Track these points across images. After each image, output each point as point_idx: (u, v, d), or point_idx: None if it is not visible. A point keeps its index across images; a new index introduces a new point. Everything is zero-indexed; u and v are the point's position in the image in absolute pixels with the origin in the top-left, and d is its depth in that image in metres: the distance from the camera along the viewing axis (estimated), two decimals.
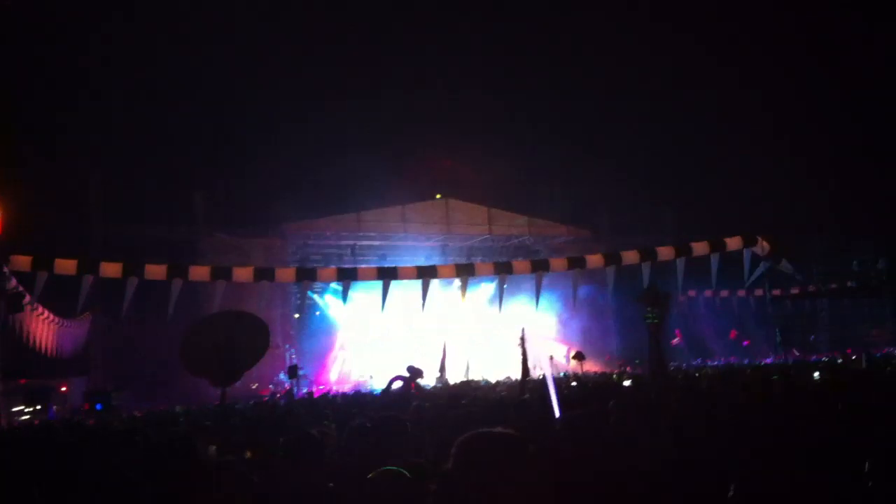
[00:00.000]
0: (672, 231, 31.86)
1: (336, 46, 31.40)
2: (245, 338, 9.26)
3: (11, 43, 25.28)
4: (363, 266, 27.27)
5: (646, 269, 25.71)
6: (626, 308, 27.75)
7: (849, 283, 29.96)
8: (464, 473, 2.28)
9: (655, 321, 16.62)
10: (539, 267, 26.16)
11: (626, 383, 14.10)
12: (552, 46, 32.27)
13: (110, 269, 21.96)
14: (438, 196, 31.20)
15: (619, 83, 32.78)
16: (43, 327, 22.36)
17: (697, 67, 33.07)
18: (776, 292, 30.78)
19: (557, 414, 7.40)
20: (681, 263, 26.03)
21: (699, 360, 29.34)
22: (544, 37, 32.91)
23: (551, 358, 21.28)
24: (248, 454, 6.19)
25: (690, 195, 32.51)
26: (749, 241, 25.98)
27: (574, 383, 14.97)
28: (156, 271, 22.44)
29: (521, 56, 32.26)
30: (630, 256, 25.91)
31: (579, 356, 24.73)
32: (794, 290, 30.91)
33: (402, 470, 3.59)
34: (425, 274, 25.91)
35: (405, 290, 29.63)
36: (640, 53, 32.17)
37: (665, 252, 26.00)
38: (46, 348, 22.60)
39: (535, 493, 2.30)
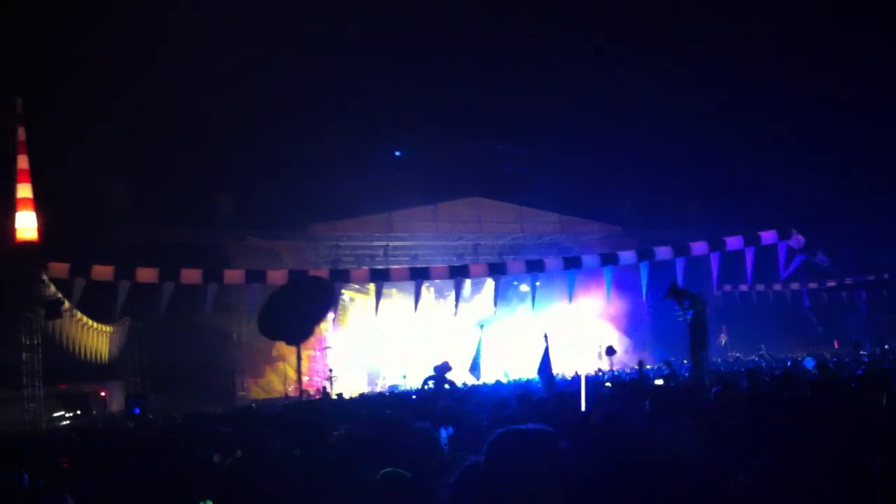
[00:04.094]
0: (700, 226, 31.53)
1: (365, 46, 31.34)
2: (311, 297, 9.56)
3: (36, 48, 25.48)
4: (395, 266, 27.26)
5: (679, 265, 25.60)
6: (659, 304, 27.54)
7: (886, 275, 29.62)
8: (495, 471, 2.26)
9: (691, 316, 16.40)
10: (571, 264, 26.11)
11: (658, 382, 13.97)
12: (576, 39, 32.07)
13: (146, 275, 22.20)
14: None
15: (643, 76, 32.52)
16: (81, 333, 22.60)
17: (721, 58, 32.73)
18: (812, 285, 30.47)
19: (583, 408, 7.39)
20: (715, 258, 25.87)
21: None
22: (567, 30, 32.71)
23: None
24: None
25: (717, 189, 32.26)
26: (784, 235, 25.79)
27: (608, 384, 14.79)
28: (191, 276, 22.65)
29: (546, 52, 32.10)
30: (663, 252, 25.80)
31: (610, 351, 24.36)
32: (831, 283, 30.57)
33: (401, 472, 3.62)
34: (457, 273, 25.97)
35: (435, 290, 29.77)
36: (662, 46, 31.85)
37: (698, 247, 25.86)
38: (85, 353, 22.85)
39: (567, 488, 2.27)
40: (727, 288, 31.31)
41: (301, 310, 9.62)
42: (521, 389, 16.75)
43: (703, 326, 13.86)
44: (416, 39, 31.43)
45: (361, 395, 21.75)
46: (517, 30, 32.01)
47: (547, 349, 13.95)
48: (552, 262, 26.43)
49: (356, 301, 31.81)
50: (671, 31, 32.42)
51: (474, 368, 17.19)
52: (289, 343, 11.59)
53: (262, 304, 10.57)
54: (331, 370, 28.35)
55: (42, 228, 21.89)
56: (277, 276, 23.51)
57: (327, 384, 25.17)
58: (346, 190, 28.79)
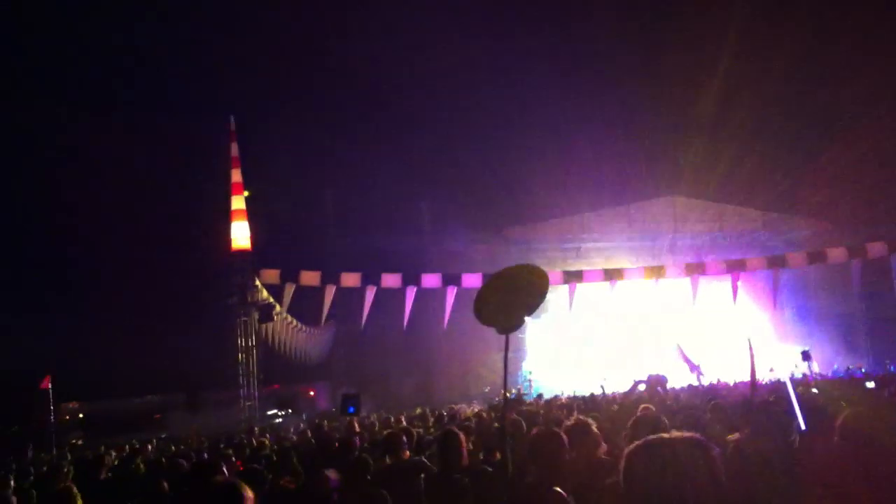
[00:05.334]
0: None
1: (557, 44, 31.21)
2: (525, 284, 9.44)
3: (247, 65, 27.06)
4: (588, 268, 26.99)
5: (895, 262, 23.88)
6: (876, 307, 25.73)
7: None
8: (633, 484, 2.09)
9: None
10: (775, 263, 24.93)
11: (869, 385, 13.06)
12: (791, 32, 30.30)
13: (350, 280, 23.17)
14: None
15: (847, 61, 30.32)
16: (292, 336, 23.92)
17: None
18: None
19: (803, 426, 6.92)
20: None
21: None
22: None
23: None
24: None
25: None
26: None
27: (815, 390, 13.92)
28: (391, 280, 23.43)
29: (751, 46, 30.58)
30: (876, 248, 24.11)
31: (806, 356, 22.84)
32: None
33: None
34: (652, 274, 25.42)
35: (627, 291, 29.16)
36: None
37: None
38: (295, 356, 24.17)
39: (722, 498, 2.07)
40: None
41: (516, 297, 9.57)
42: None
43: None
44: (611, 35, 30.83)
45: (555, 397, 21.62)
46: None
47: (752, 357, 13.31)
48: (754, 261, 25.32)
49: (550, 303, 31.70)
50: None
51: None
52: (499, 332, 11.53)
53: (482, 288, 10.62)
54: (529, 373, 28.51)
55: (254, 237, 23.43)
56: (472, 280, 23.91)
57: (524, 386, 25.28)
58: (538, 193, 28.84)
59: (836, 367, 26.92)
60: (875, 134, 28.13)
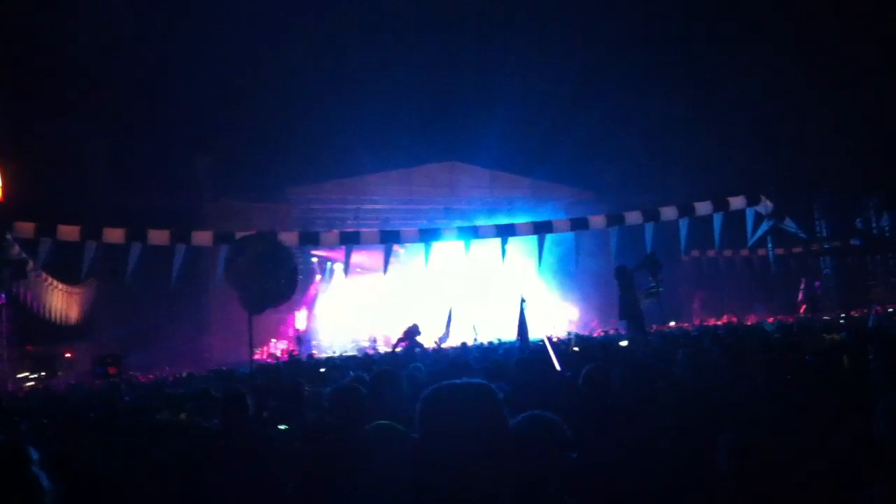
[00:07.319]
0: (677, 191, 31.54)
1: (345, 9, 30.83)
2: (280, 274, 9.41)
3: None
4: (366, 229, 27.23)
5: (648, 230, 25.70)
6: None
7: (852, 241, 29.89)
8: (430, 428, 2.20)
9: (660, 289, 16.48)
10: (542, 229, 26.14)
11: (623, 343, 14.09)
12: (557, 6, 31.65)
13: (114, 235, 22.03)
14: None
15: (621, 38, 32.21)
16: (48, 294, 22.50)
17: (697, 21, 32.36)
18: (779, 251, 30.61)
19: (559, 368, 7.54)
20: (684, 223, 25.98)
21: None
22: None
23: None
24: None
25: (692, 153, 32.13)
26: (752, 200, 25.93)
27: (576, 348, 14.87)
28: (159, 236, 22.51)
29: (523, 19, 31.70)
30: (633, 217, 25.89)
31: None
32: (797, 249, 30.82)
33: (395, 425, 3.64)
34: (428, 236, 25.99)
35: (411, 253, 29.71)
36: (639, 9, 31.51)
37: (668, 212, 25.97)
38: (52, 315, 22.76)
39: (507, 442, 2.23)
40: (695, 254, 31.47)
41: (260, 280, 9.31)
42: (488, 351, 16.89)
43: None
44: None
45: (329, 358, 21.77)
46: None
47: (523, 311, 14.07)
48: (523, 226, 26.44)
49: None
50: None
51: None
52: (244, 309, 11.28)
53: (232, 249, 10.35)
54: (300, 331, 28.42)
55: (7, 187, 21.74)
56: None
57: (297, 347, 25.18)
58: (321, 153, 28.66)
59: (594, 326, 28.80)
60: (632, 108, 30.20)
